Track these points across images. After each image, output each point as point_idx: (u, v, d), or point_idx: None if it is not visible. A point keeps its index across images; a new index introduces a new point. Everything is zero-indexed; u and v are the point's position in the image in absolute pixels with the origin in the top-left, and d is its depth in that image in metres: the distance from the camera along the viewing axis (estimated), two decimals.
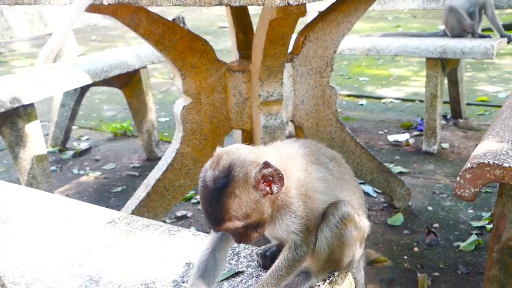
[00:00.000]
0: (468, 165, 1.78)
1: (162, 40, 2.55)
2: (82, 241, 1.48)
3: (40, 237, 1.52)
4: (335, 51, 2.88)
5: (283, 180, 1.12)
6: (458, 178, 1.80)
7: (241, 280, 1.26)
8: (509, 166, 1.71)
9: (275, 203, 1.16)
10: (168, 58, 2.63)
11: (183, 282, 1.27)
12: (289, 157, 1.22)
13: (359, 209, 1.28)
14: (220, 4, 1.64)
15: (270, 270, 1.21)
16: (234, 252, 1.38)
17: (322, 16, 2.79)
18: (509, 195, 1.91)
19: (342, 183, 1.29)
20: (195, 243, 1.43)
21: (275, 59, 2.45)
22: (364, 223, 1.28)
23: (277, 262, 1.21)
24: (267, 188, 1.12)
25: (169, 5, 1.71)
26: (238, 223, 1.11)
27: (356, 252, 1.27)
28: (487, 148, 1.87)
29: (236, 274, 1.29)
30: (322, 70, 2.86)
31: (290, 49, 2.77)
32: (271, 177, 1.11)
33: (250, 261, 1.33)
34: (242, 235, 1.16)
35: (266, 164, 1.11)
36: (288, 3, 1.58)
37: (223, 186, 1.09)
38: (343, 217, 1.19)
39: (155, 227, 1.51)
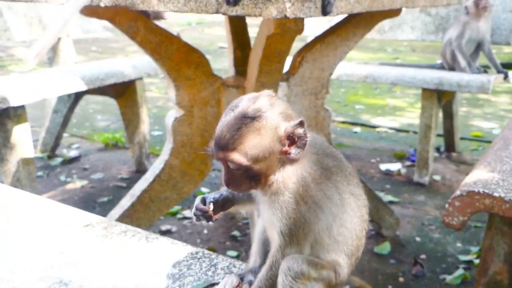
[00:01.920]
0: (457, 192, 1.76)
1: (159, 50, 2.52)
2: (56, 242, 1.43)
3: (13, 237, 1.47)
4: (331, 74, 2.87)
5: (305, 148, 1.11)
6: (446, 205, 1.77)
7: None
8: (499, 196, 1.68)
9: (279, 175, 1.14)
10: (164, 69, 2.60)
11: None
12: (323, 154, 1.21)
13: (334, 249, 1.21)
14: (217, 12, 1.62)
15: (254, 284, 1.19)
16: (212, 263, 1.33)
17: (321, 38, 2.78)
18: (498, 228, 1.88)
19: (345, 217, 1.22)
20: (172, 251, 1.39)
21: (270, 75, 2.43)
22: (326, 272, 1.17)
23: (259, 275, 1.18)
24: (287, 147, 1.11)
25: (166, 10, 1.70)
26: (243, 161, 1.08)
27: None
28: (478, 177, 1.84)
29: (212, 285, 1.24)
30: (318, 91, 2.84)
31: (286, 69, 2.76)
32: (298, 138, 1.11)
33: (227, 273, 1.29)
34: (235, 178, 1.11)
35: (302, 124, 1.10)
36: (285, 15, 1.56)
37: (253, 118, 1.07)
38: (296, 277, 1.11)
39: (132, 233, 1.47)
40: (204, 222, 1.25)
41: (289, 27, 2.08)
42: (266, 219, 1.18)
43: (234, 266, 1.32)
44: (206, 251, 1.39)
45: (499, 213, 1.70)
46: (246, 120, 1.07)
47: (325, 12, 1.71)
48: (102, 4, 1.87)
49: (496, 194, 1.68)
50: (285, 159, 1.13)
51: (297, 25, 2.07)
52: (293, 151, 1.12)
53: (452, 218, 1.77)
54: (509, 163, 1.99)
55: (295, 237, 1.15)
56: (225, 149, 1.08)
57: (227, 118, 1.09)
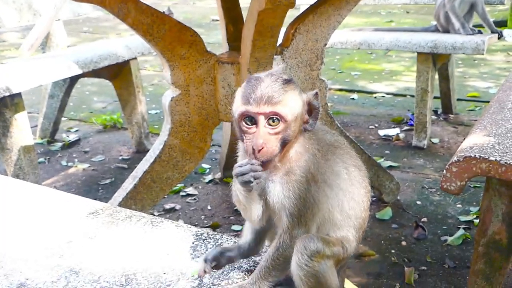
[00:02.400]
0: (454, 158, 1.78)
1: (151, 31, 2.52)
2: (64, 232, 1.46)
3: (22, 228, 1.51)
4: (326, 44, 2.87)
5: (316, 121, 1.20)
6: (444, 172, 1.80)
7: (223, 272, 1.25)
8: (495, 160, 1.70)
9: (293, 151, 1.19)
10: (157, 49, 2.60)
11: (164, 273, 1.25)
12: (322, 131, 1.26)
13: (345, 225, 1.25)
14: None
15: (258, 265, 1.21)
16: (216, 243, 1.37)
17: (313, 8, 2.77)
18: (496, 189, 1.91)
19: (353, 190, 1.27)
20: (177, 235, 1.42)
21: (264, 50, 2.44)
22: (337, 249, 1.21)
23: (265, 255, 1.21)
24: (307, 116, 1.20)
25: None
26: (287, 114, 1.13)
27: (336, 278, 1.22)
28: (474, 142, 1.86)
29: None
30: (312, 63, 2.84)
31: (280, 41, 2.75)
32: (314, 110, 1.20)
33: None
34: (269, 140, 1.13)
35: (317, 95, 1.20)
36: None
37: (289, 80, 1.16)
38: (312, 255, 1.15)
39: (137, 218, 1.50)
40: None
41: (280, 1, 2.08)
42: (275, 200, 1.19)
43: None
44: (211, 232, 1.42)
45: (495, 176, 1.72)
46: (285, 81, 1.15)
47: None
48: None
49: (492, 158, 1.71)
50: (301, 129, 1.19)
51: None
52: (310, 121, 1.20)
53: (450, 184, 1.80)
54: (504, 125, 2.01)
55: (303, 218, 1.18)
56: (271, 103, 1.12)
57: (264, 80, 1.15)
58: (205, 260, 1.23)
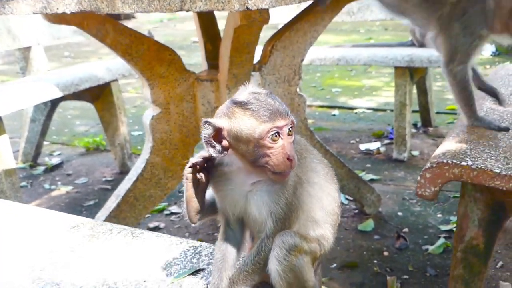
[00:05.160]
0: (427, 165, 1.83)
1: (129, 50, 2.56)
2: (45, 246, 1.47)
3: (2, 243, 1.51)
4: (303, 60, 2.93)
5: None
6: (418, 178, 1.85)
7: (202, 277, 1.27)
8: (467, 165, 1.76)
9: None
10: (136, 69, 2.64)
11: (144, 281, 1.27)
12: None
13: (325, 222, 1.29)
14: (181, 9, 1.67)
15: (237, 269, 1.23)
16: (196, 251, 1.39)
17: (289, 25, 2.83)
18: (471, 196, 1.96)
19: (328, 185, 1.31)
20: (157, 244, 1.44)
21: (241, 67, 2.49)
22: (314, 245, 1.24)
23: (244, 259, 1.23)
24: None
25: (131, 12, 1.74)
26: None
27: (312, 275, 1.24)
28: (447, 148, 1.92)
29: (197, 271, 1.30)
30: (290, 78, 2.90)
31: (258, 58, 2.81)
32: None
33: (211, 259, 1.34)
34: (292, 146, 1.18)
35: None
36: (247, 7, 1.61)
37: None
38: (290, 249, 1.17)
39: (118, 230, 1.52)
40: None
41: (254, 18, 2.13)
42: (262, 210, 1.21)
43: None
44: (190, 241, 1.45)
45: (468, 181, 1.77)
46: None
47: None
48: (68, 11, 1.90)
49: (464, 163, 1.76)
50: None
51: (262, 15, 2.12)
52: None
53: (424, 190, 1.85)
54: (476, 133, 2.07)
55: (287, 221, 1.21)
56: (288, 114, 1.18)
57: (269, 96, 1.20)
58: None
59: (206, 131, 1.17)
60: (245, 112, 1.16)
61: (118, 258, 1.38)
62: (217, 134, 1.18)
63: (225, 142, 1.18)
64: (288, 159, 1.15)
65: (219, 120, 1.18)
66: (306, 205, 1.25)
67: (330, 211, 1.30)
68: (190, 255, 1.37)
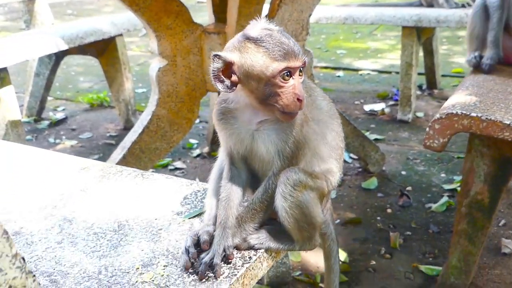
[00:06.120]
0: (437, 115, 1.83)
1: (137, 1, 2.52)
2: (56, 186, 1.49)
3: (15, 185, 1.52)
4: (310, 15, 2.89)
5: None
6: (427, 129, 1.85)
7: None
8: (477, 116, 1.75)
9: None
10: (143, 19, 2.61)
11: (156, 219, 1.29)
12: None
13: (329, 156, 1.29)
14: None
15: (245, 208, 1.22)
16: (206, 192, 1.40)
17: None
18: (478, 150, 1.96)
19: (332, 122, 1.32)
20: (167, 185, 1.45)
21: (250, 18, 2.43)
22: (320, 182, 1.24)
23: (252, 199, 1.23)
24: None
25: None
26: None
27: (320, 211, 1.26)
28: (456, 100, 1.91)
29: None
30: (298, 33, 2.87)
31: (266, 12, 2.77)
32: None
33: None
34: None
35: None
36: None
37: None
38: (295, 185, 1.17)
39: (128, 172, 1.53)
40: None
41: None
42: (270, 148, 1.20)
43: None
44: (200, 182, 1.46)
45: (476, 132, 1.77)
46: None
47: None
48: None
49: (473, 114, 1.76)
50: None
51: None
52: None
53: (432, 141, 1.85)
54: (486, 86, 2.06)
55: (294, 159, 1.21)
56: (301, 54, 1.15)
57: (283, 34, 1.16)
58: (187, 251, 1.15)
59: (215, 65, 1.13)
60: (258, 49, 1.12)
61: (129, 198, 1.40)
62: (227, 69, 1.14)
63: (234, 78, 1.15)
64: (298, 99, 1.13)
65: (230, 54, 1.14)
66: (312, 142, 1.25)
67: (334, 146, 1.30)
68: (200, 196, 1.38)
